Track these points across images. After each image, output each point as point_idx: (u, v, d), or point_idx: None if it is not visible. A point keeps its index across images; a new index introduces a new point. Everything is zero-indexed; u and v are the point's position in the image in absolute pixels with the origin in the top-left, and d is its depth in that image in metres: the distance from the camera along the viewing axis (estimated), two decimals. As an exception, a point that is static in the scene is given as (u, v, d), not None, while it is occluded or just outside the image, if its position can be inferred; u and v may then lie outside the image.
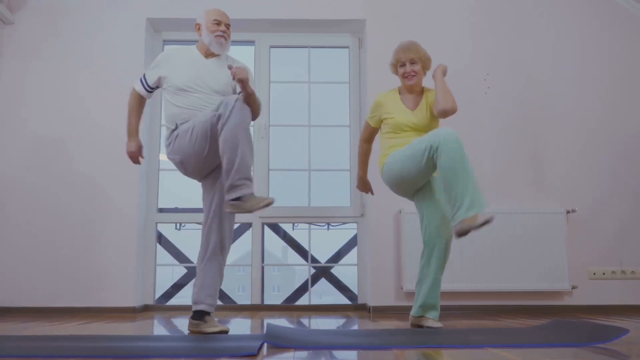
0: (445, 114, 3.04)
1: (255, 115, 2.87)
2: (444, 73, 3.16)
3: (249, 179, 2.66)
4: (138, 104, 3.07)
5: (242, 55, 4.77)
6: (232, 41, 4.61)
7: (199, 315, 2.81)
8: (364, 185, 3.47)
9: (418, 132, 3.10)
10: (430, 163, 2.85)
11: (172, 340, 2.45)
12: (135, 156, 3.09)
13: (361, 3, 4.47)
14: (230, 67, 2.78)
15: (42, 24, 4.41)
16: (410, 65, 3.14)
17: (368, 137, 3.34)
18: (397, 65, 3.18)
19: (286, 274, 24.23)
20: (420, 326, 3.04)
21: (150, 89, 3.03)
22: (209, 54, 3.01)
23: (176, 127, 2.90)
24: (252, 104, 2.80)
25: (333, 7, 4.48)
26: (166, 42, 4.66)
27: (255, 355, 2.02)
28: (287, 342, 2.25)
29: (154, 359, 1.93)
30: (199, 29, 3.03)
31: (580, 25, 4.50)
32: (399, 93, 3.22)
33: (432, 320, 3.02)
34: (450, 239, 3.03)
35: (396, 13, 4.45)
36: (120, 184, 4.25)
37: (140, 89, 3.03)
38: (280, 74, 4.64)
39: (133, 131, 3.07)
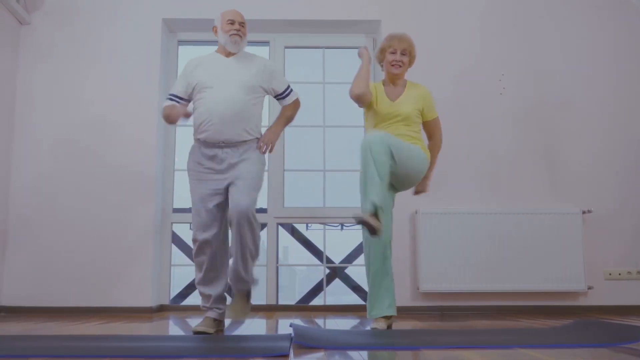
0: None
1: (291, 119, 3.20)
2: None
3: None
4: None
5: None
6: (248, 42, 4.66)
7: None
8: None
9: (399, 122, 3.10)
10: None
11: (202, 340, 2.45)
12: (178, 113, 2.89)
13: (376, 4, 4.48)
14: (259, 147, 2.98)
15: (58, 25, 4.42)
16: (401, 55, 3.16)
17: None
18: (388, 51, 3.18)
19: (286, 274, 24.19)
20: (390, 327, 3.08)
21: (183, 100, 3.01)
22: (228, 54, 3.05)
23: (190, 157, 3.00)
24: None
25: (347, 8, 4.48)
26: (181, 42, 4.67)
27: (287, 355, 2.02)
28: (316, 343, 2.26)
29: (186, 359, 1.94)
30: (215, 31, 3.09)
31: (594, 24, 4.50)
32: (383, 84, 3.24)
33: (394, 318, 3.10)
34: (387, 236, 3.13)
35: (411, 14, 4.45)
36: (137, 185, 4.26)
37: (170, 103, 3.01)
38: (295, 74, 4.64)
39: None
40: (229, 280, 2.92)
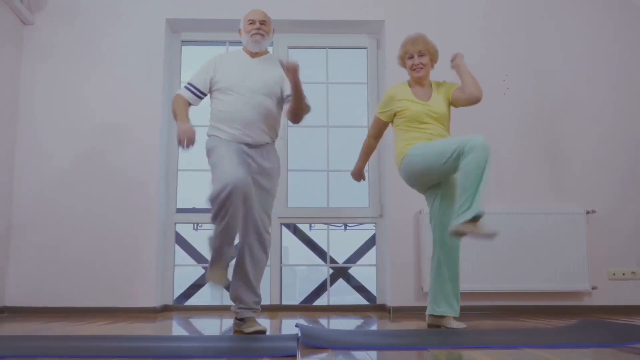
0: (477, 100, 3.09)
1: (303, 111, 2.95)
2: (463, 60, 3.20)
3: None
4: (185, 106, 2.97)
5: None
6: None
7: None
8: (360, 175, 3.45)
9: (435, 123, 3.10)
10: (455, 163, 2.86)
11: (209, 341, 2.45)
12: (190, 138, 2.78)
13: (379, 4, 4.48)
14: (281, 61, 2.81)
15: (62, 25, 4.42)
16: (419, 57, 3.17)
17: (377, 133, 3.33)
18: (405, 57, 3.20)
19: (287, 274, 24.19)
20: (439, 326, 3.03)
21: (200, 93, 3.00)
22: (253, 55, 3.05)
23: (212, 145, 2.92)
24: (299, 99, 2.88)
25: (351, 8, 4.48)
26: (184, 42, 4.67)
27: (295, 355, 2.02)
28: (323, 343, 2.26)
29: (196, 359, 1.94)
30: (240, 33, 3.11)
31: (596, 24, 4.50)
32: (409, 86, 3.23)
33: (453, 319, 3.01)
34: (459, 239, 3.04)
35: (414, 14, 4.45)
36: (140, 185, 4.26)
37: (187, 95, 2.99)
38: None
39: (185, 116, 2.90)
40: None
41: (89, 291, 4.15)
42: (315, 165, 4.60)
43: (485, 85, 4.38)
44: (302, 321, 3.45)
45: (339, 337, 2.50)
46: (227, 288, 2.97)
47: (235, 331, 2.92)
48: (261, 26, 3.04)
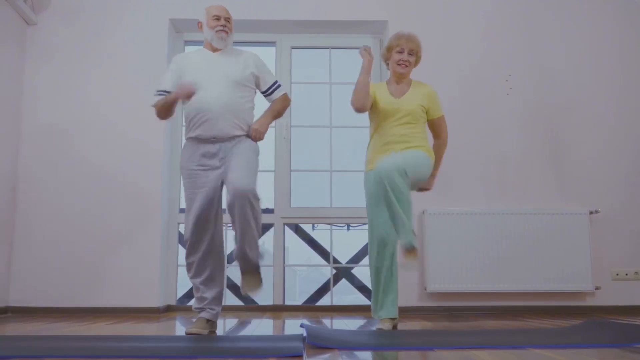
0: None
1: (280, 113, 3.11)
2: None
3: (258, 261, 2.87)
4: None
5: (263, 56, 4.75)
6: (254, 42, 4.68)
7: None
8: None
9: (402, 119, 3.10)
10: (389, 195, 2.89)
11: (215, 341, 2.45)
12: (190, 90, 2.77)
13: (382, 4, 4.48)
14: (250, 132, 2.94)
15: (65, 25, 4.42)
16: (408, 55, 3.17)
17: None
18: (394, 50, 3.18)
19: (287, 274, 24.19)
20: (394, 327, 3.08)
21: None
22: (215, 49, 3.04)
23: (184, 154, 2.97)
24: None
25: (354, 9, 4.48)
26: (187, 42, 4.67)
27: (301, 355, 2.02)
28: (329, 343, 2.26)
29: (201, 359, 1.93)
30: (201, 27, 3.07)
31: (599, 23, 4.50)
32: (387, 84, 3.25)
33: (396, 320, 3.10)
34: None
35: (417, 15, 4.45)
36: (143, 185, 4.26)
37: (160, 99, 2.96)
38: (302, 75, 4.65)
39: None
40: (236, 261, 2.84)
41: (92, 291, 4.15)
42: (318, 166, 4.60)
43: (488, 85, 4.42)
44: (305, 322, 3.44)
45: (344, 337, 2.50)
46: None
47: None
48: (226, 23, 3.02)
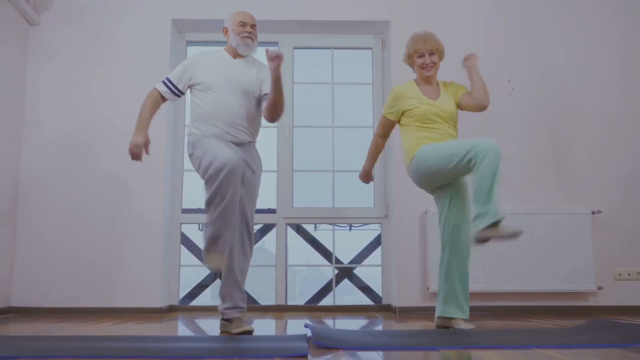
0: (484, 108, 3.10)
1: (280, 108, 2.94)
2: (476, 62, 3.21)
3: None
4: (154, 104, 3.02)
5: (265, 56, 4.76)
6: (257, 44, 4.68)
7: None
8: (368, 177, 3.44)
9: (444, 122, 3.10)
10: (466, 167, 2.85)
11: (220, 341, 2.45)
12: (139, 150, 2.92)
13: (384, 4, 4.48)
14: (267, 51, 2.80)
15: (68, 25, 4.42)
16: (430, 56, 3.15)
17: (385, 132, 3.30)
18: (415, 55, 3.17)
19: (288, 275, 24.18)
20: (448, 327, 3.02)
21: (178, 91, 3.02)
22: (236, 55, 3.06)
23: (195, 139, 2.93)
24: (278, 93, 2.87)
25: (356, 9, 4.48)
26: (190, 43, 4.67)
27: (306, 355, 2.02)
28: (334, 343, 2.26)
29: (205, 359, 1.94)
30: (226, 32, 3.09)
31: (600, 23, 4.50)
32: (417, 84, 3.21)
33: (462, 321, 3.00)
34: (468, 239, 3.03)
35: (419, 14, 4.45)
36: (146, 185, 4.26)
37: (163, 90, 3.02)
38: (304, 75, 4.65)
39: (144, 125, 2.96)
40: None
41: (93, 292, 4.15)
42: (321, 166, 4.60)
43: (491, 85, 4.38)
44: (308, 321, 3.45)
45: (348, 337, 2.50)
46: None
47: (222, 332, 2.90)
48: (252, 30, 3.04)
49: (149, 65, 4.38)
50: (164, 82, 3.03)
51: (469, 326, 2.97)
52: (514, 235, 2.66)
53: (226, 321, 2.90)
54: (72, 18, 4.43)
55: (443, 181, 3.05)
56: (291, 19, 4.47)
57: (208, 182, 2.71)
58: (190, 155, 2.94)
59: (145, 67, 4.38)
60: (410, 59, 3.21)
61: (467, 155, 2.81)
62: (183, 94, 3.04)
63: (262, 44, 4.70)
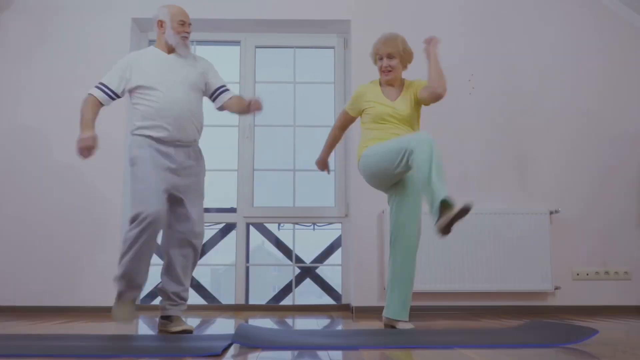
0: (439, 98, 3.06)
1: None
2: (436, 48, 3.14)
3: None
4: (94, 109, 2.94)
5: (227, 55, 4.76)
6: (218, 41, 4.72)
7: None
8: (324, 165, 3.47)
9: (399, 123, 3.09)
10: (404, 164, 2.87)
11: (140, 340, 2.45)
12: (89, 147, 2.83)
13: (346, 4, 4.47)
14: (248, 103, 3.03)
15: (28, 25, 4.41)
16: (387, 59, 3.12)
17: (342, 124, 3.35)
18: (376, 57, 3.17)
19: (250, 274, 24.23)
20: (393, 327, 3.03)
21: (115, 95, 2.94)
22: (171, 51, 3.01)
23: (134, 155, 2.87)
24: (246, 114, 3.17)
25: (319, 8, 4.47)
26: (152, 41, 4.66)
27: (219, 355, 2.02)
28: (255, 342, 2.25)
29: (116, 358, 1.93)
30: (161, 25, 2.99)
31: (568, 27, 4.49)
32: (380, 85, 3.21)
33: (402, 322, 3.01)
34: (415, 236, 3.03)
35: (381, 13, 4.44)
36: (104, 181, 4.25)
37: (101, 96, 2.93)
38: (266, 74, 4.64)
39: (90, 124, 2.87)
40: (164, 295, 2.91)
41: (64, 290, 4.14)
42: (282, 165, 4.59)
43: (451, 84, 4.34)
44: (267, 321, 3.44)
45: (278, 337, 2.49)
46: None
47: (160, 330, 2.87)
48: (189, 29, 3.03)
49: (109, 64, 4.29)
50: (99, 88, 2.93)
51: (407, 326, 2.97)
52: (467, 208, 2.63)
53: (165, 319, 2.87)
54: (32, 17, 4.42)
55: (391, 181, 3.06)
56: (253, 18, 4.46)
57: (132, 220, 2.74)
58: (130, 166, 2.89)
59: (106, 66, 4.24)
60: (373, 60, 3.21)
61: (404, 152, 2.83)
62: (120, 97, 2.99)
63: (224, 43, 4.73)
